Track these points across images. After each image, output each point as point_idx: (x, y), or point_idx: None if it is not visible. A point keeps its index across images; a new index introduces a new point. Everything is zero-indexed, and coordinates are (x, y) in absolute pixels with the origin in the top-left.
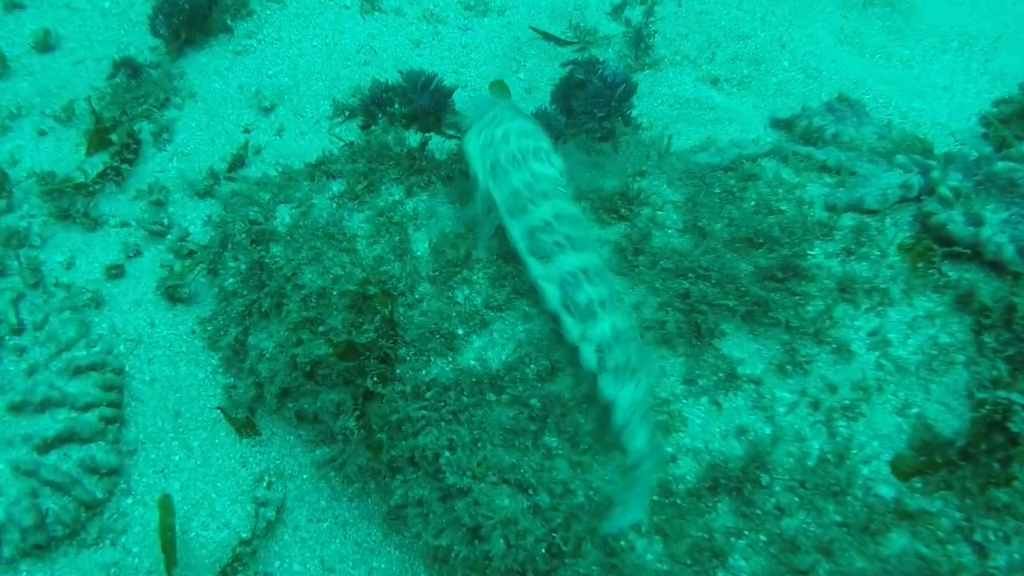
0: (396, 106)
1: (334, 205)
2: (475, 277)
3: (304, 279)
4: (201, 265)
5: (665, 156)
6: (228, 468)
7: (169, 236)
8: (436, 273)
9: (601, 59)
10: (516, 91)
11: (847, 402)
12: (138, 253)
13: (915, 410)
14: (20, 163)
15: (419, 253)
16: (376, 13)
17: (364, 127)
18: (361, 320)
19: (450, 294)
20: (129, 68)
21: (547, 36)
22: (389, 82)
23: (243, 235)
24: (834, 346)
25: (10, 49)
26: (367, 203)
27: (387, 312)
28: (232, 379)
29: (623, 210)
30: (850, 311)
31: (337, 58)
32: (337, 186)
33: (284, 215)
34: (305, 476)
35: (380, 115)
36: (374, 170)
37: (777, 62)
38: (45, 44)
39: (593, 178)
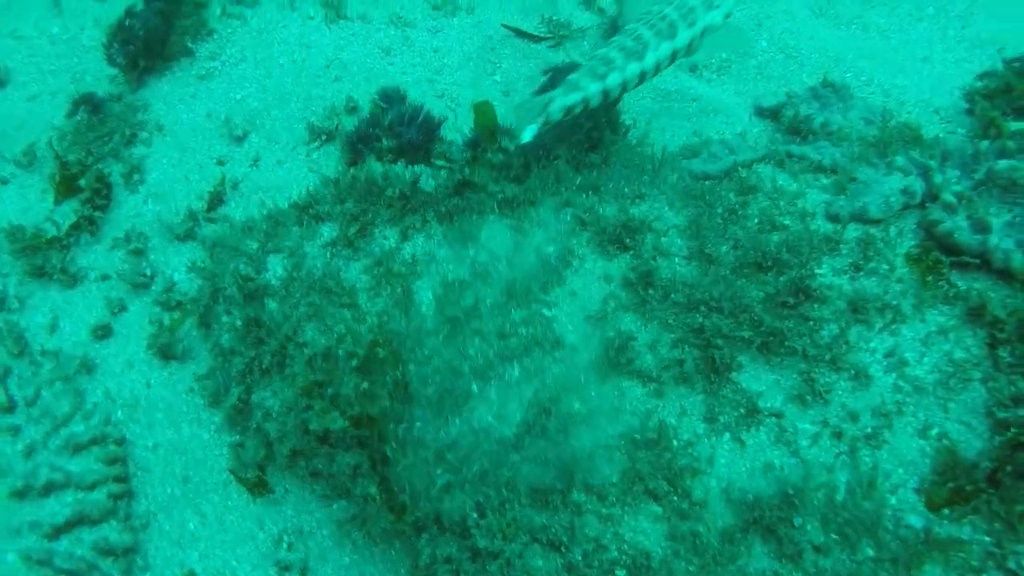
0: (384, 142)
1: (328, 254)
2: (485, 328)
3: (306, 336)
4: (191, 318)
5: (660, 169)
6: (245, 531)
7: (154, 287)
8: (444, 326)
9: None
10: (494, 95)
11: (869, 430)
12: (123, 308)
13: (936, 431)
14: None
15: (424, 306)
16: (342, 21)
17: (352, 163)
18: (372, 388)
19: (461, 348)
20: (90, 104)
21: (520, 33)
22: (371, 112)
23: (234, 288)
24: (852, 372)
25: None
26: (362, 250)
27: (399, 375)
28: (238, 437)
29: (627, 240)
30: (864, 332)
31: (307, 76)
32: (328, 231)
33: (276, 267)
34: (325, 532)
35: (366, 152)
36: (365, 211)
37: (755, 43)
38: None
39: (592, 204)
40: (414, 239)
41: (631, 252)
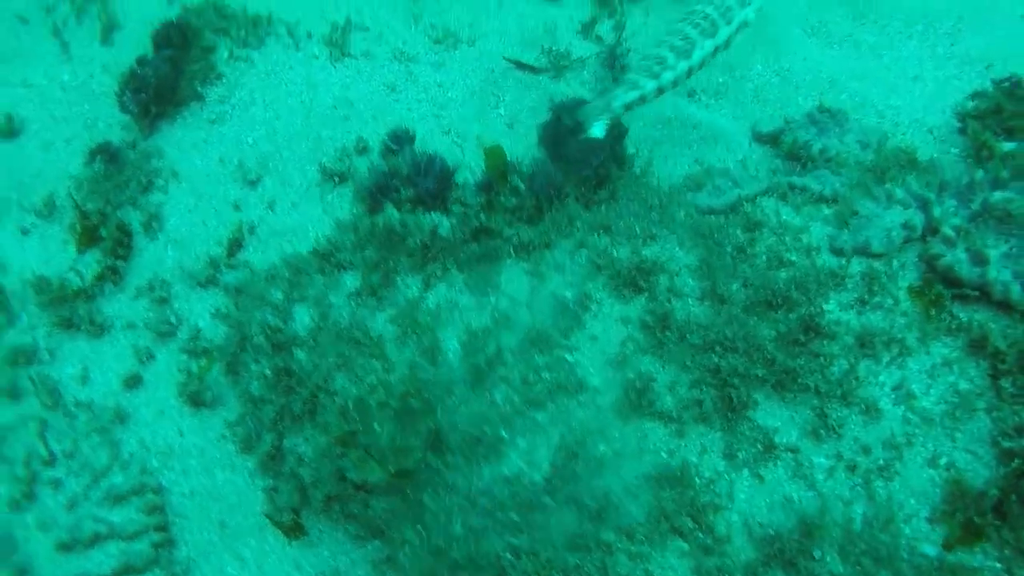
0: (402, 192)
1: (353, 304)
2: (511, 374)
3: (336, 386)
4: (218, 365)
5: (667, 205)
6: (283, 574)
7: (179, 335)
8: (471, 375)
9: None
10: (498, 128)
11: (881, 462)
12: (151, 357)
13: (944, 460)
14: (8, 267)
15: (450, 354)
16: (346, 59)
17: (371, 211)
18: (407, 441)
19: (488, 395)
20: (106, 153)
21: (520, 65)
22: (387, 161)
23: (262, 337)
24: (863, 406)
25: None
26: (386, 299)
27: (432, 425)
28: (271, 481)
29: (641, 282)
30: (873, 367)
31: (316, 116)
32: (351, 280)
33: (303, 316)
34: (360, 572)
35: (385, 201)
36: (386, 259)
37: (751, 67)
38: (9, 130)
39: (606, 246)
40: (436, 287)
41: (646, 294)
